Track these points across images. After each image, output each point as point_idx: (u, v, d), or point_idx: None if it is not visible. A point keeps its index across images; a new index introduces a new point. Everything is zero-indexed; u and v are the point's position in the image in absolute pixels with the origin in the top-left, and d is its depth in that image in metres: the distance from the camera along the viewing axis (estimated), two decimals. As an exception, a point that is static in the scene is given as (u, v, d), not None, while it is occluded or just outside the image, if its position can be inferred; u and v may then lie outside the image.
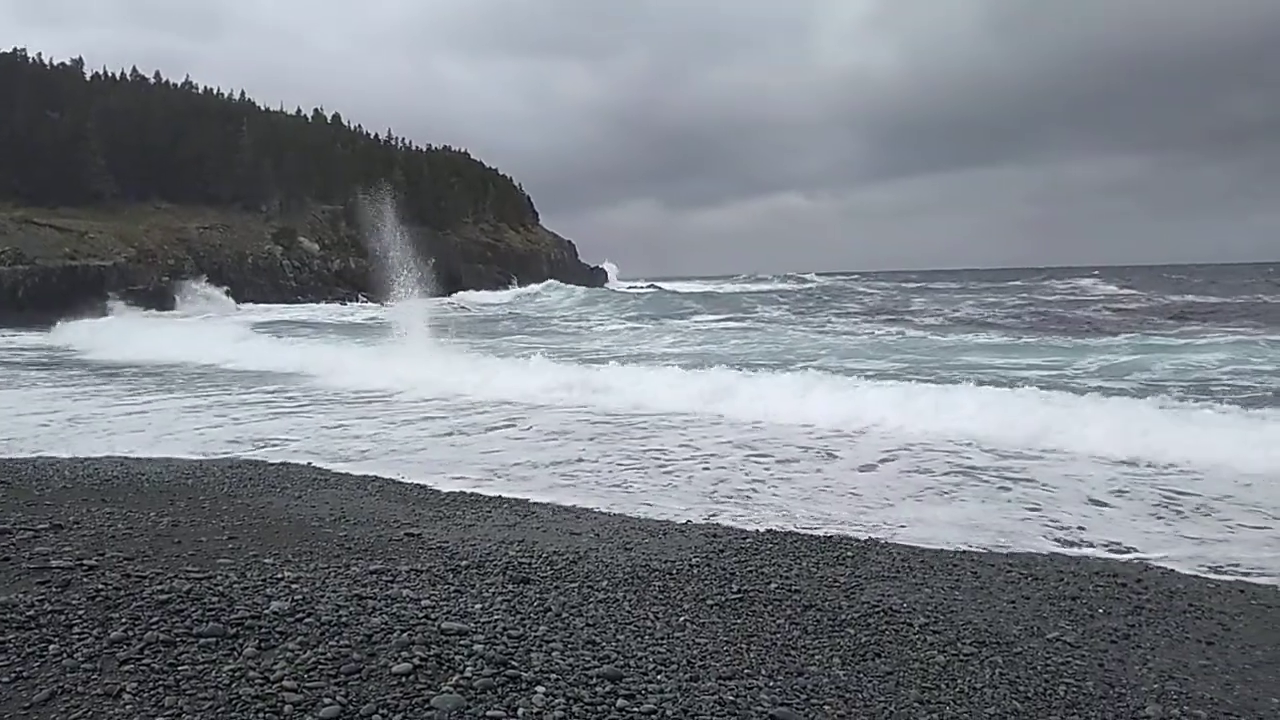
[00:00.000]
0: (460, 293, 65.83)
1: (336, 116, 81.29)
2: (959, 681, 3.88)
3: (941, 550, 6.05)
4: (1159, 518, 6.90)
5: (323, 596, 4.41)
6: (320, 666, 3.47)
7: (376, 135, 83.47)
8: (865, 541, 6.26)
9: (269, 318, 40.62)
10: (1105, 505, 7.31)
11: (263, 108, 75.44)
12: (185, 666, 3.42)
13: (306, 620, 3.99)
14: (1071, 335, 24.80)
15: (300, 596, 4.38)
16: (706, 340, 25.95)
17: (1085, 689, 3.84)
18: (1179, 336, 22.99)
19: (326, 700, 3.19)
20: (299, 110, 79.26)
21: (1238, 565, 5.75)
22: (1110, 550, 6.11)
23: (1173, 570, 5.63)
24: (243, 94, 74.98)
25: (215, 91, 73.93)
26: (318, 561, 5.31)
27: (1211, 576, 5.50)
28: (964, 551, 6.02)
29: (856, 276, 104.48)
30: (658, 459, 9.55)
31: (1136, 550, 6.10)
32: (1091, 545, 6.23)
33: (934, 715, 3.53)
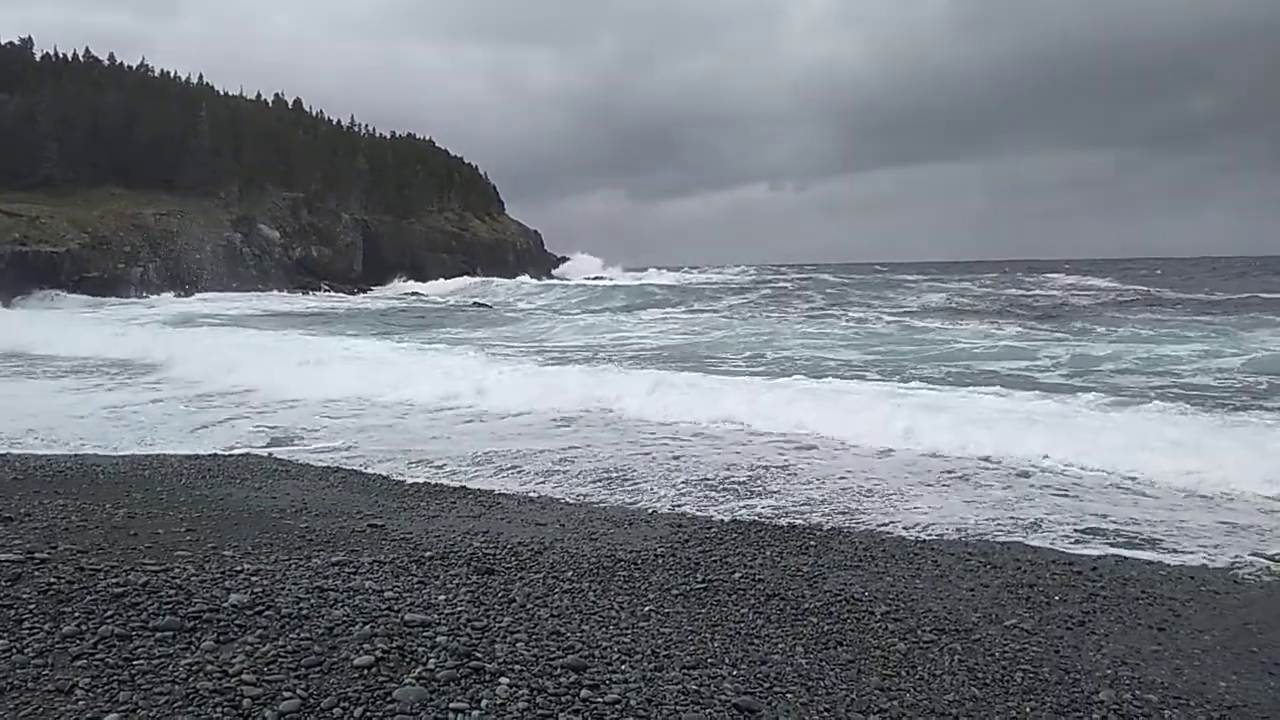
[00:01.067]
0: (418, 282, 65.30)
1: (298, 102, 79.88)
2: (919, 669, 3.94)
3: (903, 539, 6.13)
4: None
5: (283, 589, 4.35)
6: (280, 660, 3.42)
7: (339, 121, 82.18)
8: (828, 530, 6.32)
9: (197, 308, 39.63)
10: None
11: (221, 92, 73.90)
12: (141, 661, 3.36)
13: (266, 613, 3.93)
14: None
15: (260, 589, 4.32)
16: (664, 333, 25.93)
17: (1041, 675, 3.92)
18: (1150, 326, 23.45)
19: (286, 694, 3.15)
20: (259, 95, 77.76)
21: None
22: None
23: (1126, 558, 5.75)
24: (201, 77, 73.42)
25: (172, 75, 72.29)
26: (278, 553, 5.24)
27: (1167, 561, 5.63)
28: (925, 541, 6.10)
29: (823, 267, 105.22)
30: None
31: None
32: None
33: (894, 702, 3.58)
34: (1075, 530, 6.36)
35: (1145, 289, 44.47)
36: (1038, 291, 45.67)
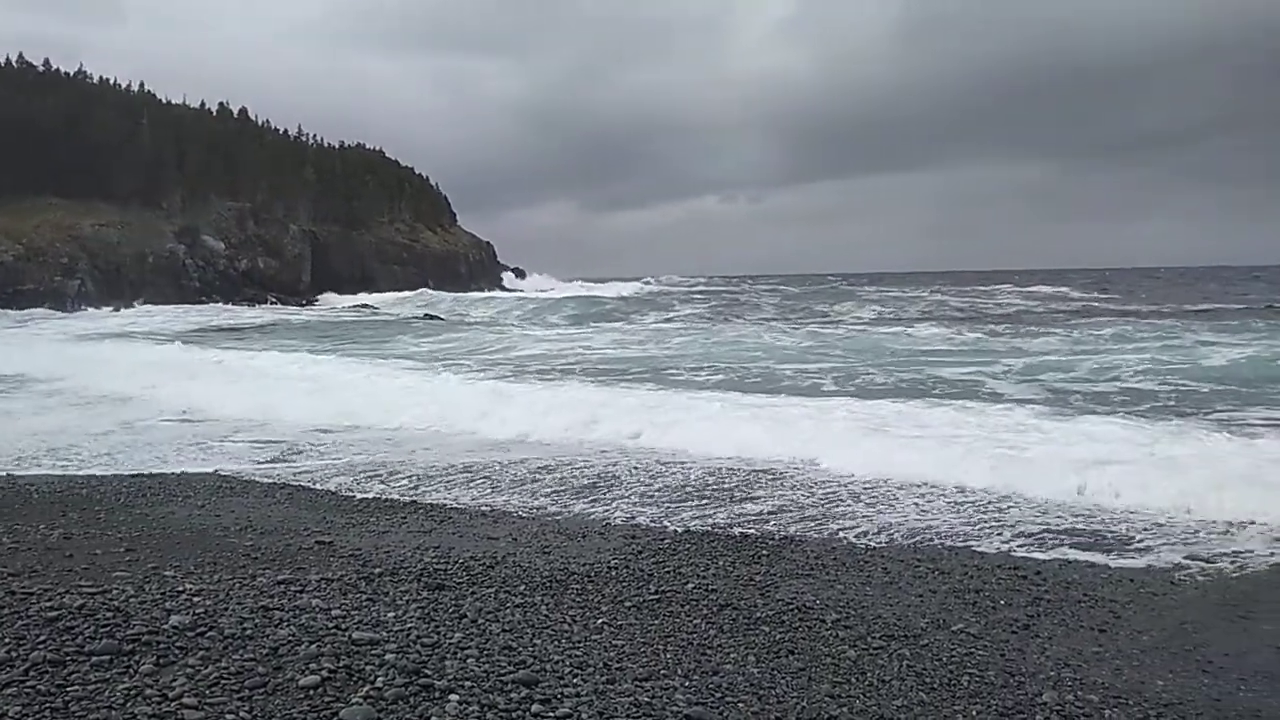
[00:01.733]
0: (368, 294, 64.46)
1: (244, 111, 78.57)
2: (869, 675, 3.98)
3: (853, 546, 6.20)
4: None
5: (227, 609, 4.25)
6: (223, 681, 3.34)
7: (286, 131, 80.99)
8: (781, 539, 6.36)
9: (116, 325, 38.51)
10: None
11: (164, 100, 72.38)
12: (75, 687, 3.25)
13: (209, 634, 3.84)
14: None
15: (203, 610, 4.21)
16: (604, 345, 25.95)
17: (987, 678, 3.99)
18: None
19: (229, 716, 3.08)
20: (203, 103, 76.33)
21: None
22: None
23: (1070, 562, 5.88)
24: (142, 85, 71.85)
25: (112, 82, 70.60)
26: (222, 573, 5.12)
27: (1109, 564, 5.77)
28: (875, 548, 6.18)
29: (777, 278, 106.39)
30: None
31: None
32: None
33: (844, 709, 3.61)
34: (1019, 535, 6.49)
35: (1093, 297, 45.70)
36: (990, 301, 46.69)
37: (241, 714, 3.10)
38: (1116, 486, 7.54)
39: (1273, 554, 5.90)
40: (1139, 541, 6.30)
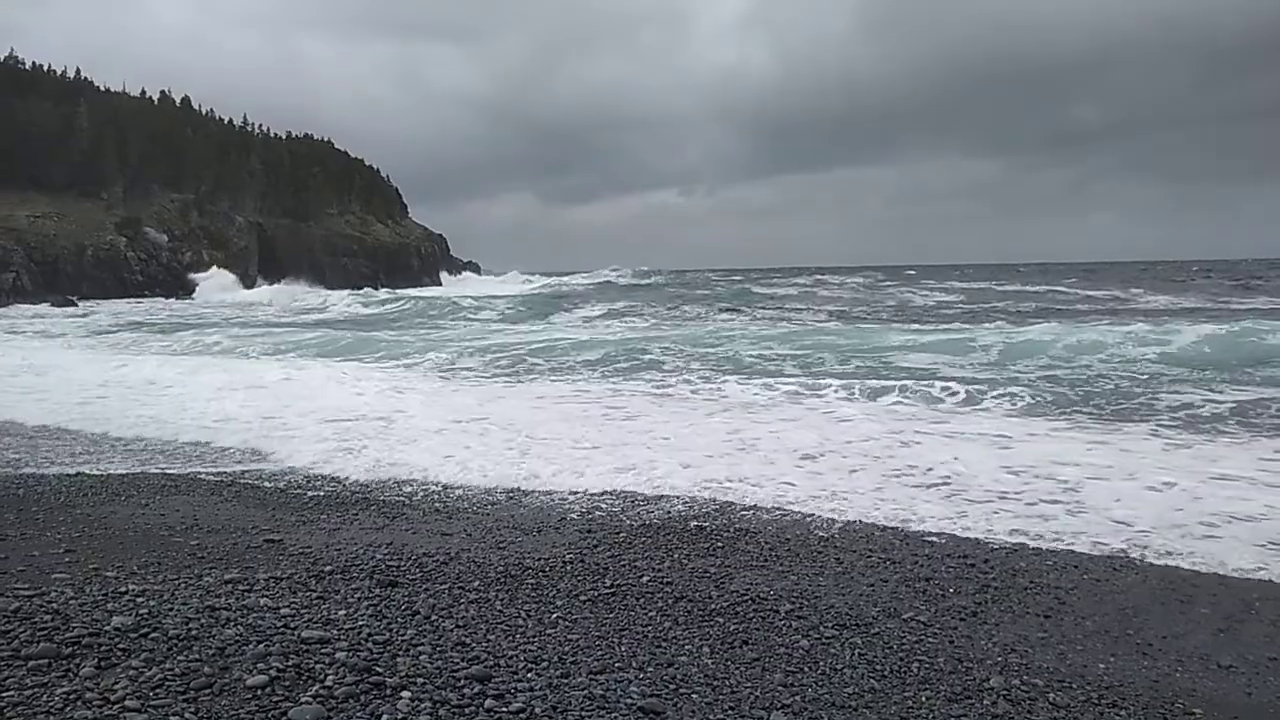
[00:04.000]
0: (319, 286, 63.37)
1: (186, 100, 76.57)
2: (821, 664, 4.03)
3: (807, 538, 6.27)
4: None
5: (171, 609, 4.16)
6: (167, 683, 3.27)
7: (231, 120, 79.21)
8: (735, 531, 6.40)
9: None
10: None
11: (102, 87, 70.21)
12: (11, 692, 3.15)
13: (152, 635, 3.75)
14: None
15: (146, 610, 4.11)
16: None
17: (936, 665, 4.06)
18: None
19: (174, 718, 3.01)
20: (144, 91, 74.21)
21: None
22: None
23: (1016, 549, 6.02)
24: (79, 72, 69.62)
25: (46, 68, 68.27)
26: (166, 573, 5.00)
27: (1051, 548, 5.91)
28: (827, 539, 6.25)
29: (734, 271, 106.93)
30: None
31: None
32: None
33: (797, 698, 3.65)
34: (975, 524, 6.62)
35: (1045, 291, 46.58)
36: (938, 294, 47.45)
37: (186, 715, 3.03)
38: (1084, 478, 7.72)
39: (1215, 542, 6.10)
40: (1085, 530, 6.46)
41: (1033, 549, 6.02)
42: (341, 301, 49.31)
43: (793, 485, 7.69)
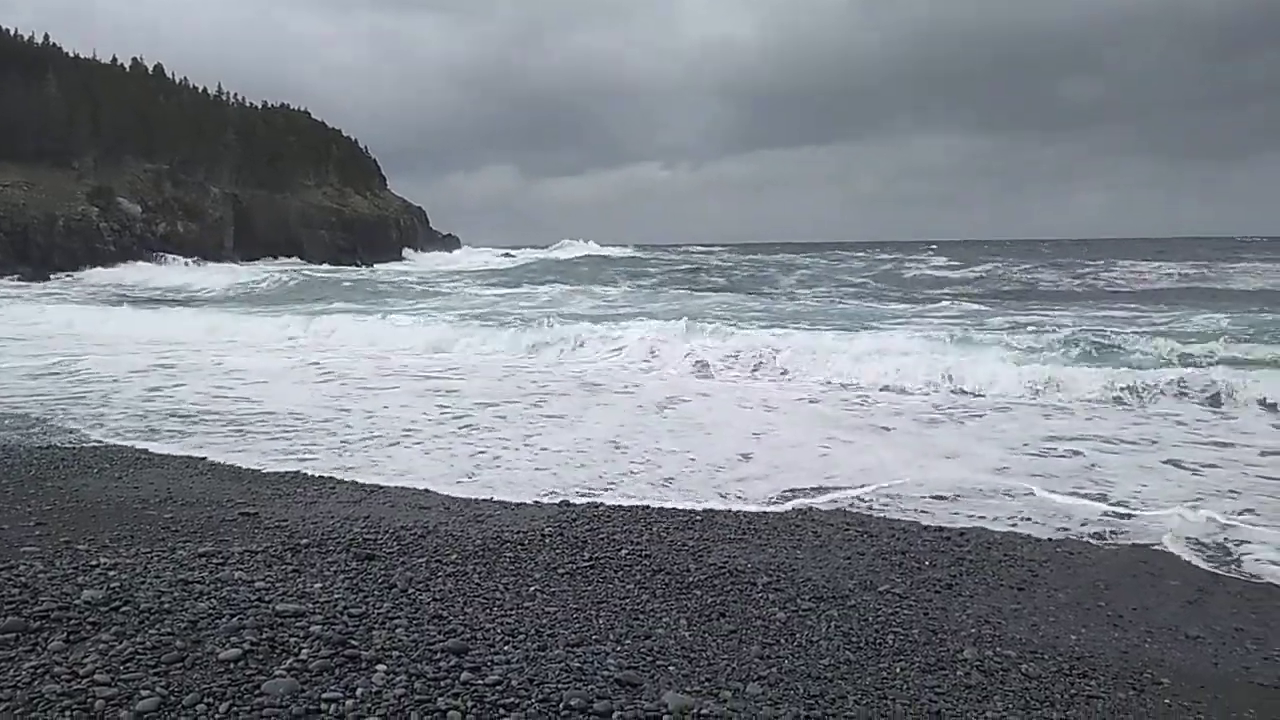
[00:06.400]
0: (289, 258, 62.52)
1: (159, 68, 74.92)
2: (798, 636, 4.05)
3: (786, 513, 6.28)
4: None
5: (143, 583, 4.11)
6: (138, 657, 3.23)
7: (205, 90, 77.59)
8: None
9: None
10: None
11: (71, 54, 68.52)
12: (-23, 666, 3.10)
13: (123, 609, 3.70)
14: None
15: (117, 584, 4.07)
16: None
17: (911, 636, 4.10)
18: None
19: (144, 692, 2.98)
20: (115, 59, 72.48)
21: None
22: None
23: (991, 525, 6.06)
24: (47, 38, 67.84)
25: (14, 34, 66.51)
26: (139, 546, 4.94)
27: (1022, 531, 5.97)
28: (805, 512, 6.28)
29: (720, 247, 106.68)
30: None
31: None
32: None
33: (773, 669, 3.67)
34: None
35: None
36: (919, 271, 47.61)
37: (157, 689, 3.00)
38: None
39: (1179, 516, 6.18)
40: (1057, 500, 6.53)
41: (1006, 526, 6.07)
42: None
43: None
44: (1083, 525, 6.01)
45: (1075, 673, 3.80)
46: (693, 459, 7.89)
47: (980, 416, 9.93)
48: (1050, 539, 5.74)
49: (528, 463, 7.79)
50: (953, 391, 11.34)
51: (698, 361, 13.50)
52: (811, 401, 10.96)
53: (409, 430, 9.12)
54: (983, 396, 11.02)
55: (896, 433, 9.22)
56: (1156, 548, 5.55)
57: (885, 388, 11.64)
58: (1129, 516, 6.19)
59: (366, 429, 9.19)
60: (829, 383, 12.05)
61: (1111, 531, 5.88)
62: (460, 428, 9.31)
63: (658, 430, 9.19)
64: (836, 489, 6.93)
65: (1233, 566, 5.23)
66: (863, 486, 6.96)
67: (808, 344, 13.61)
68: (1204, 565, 5.25)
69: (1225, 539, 5.67)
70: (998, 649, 3.99)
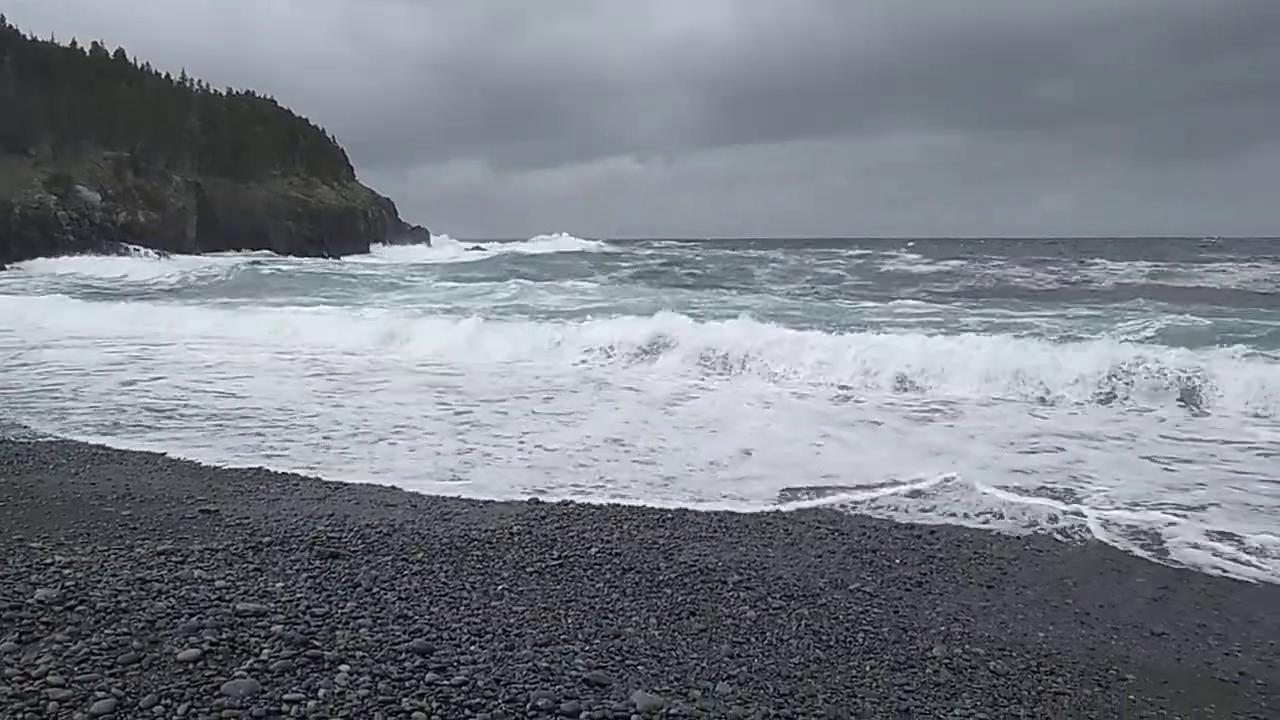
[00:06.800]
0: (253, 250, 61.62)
1: (121, 53, 73.41)
2: (768, 634, 4.04)
3: (759, 512, 6.26)
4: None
5: (100, 581, 4.00)
6: (93, 658, 3.13)
7: (169, 75, 76.21)
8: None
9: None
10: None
11: (28, 36, 66.85)
12: (-77, 669, 2.99)
13: (79, 608, 3.60)
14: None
15: (73, 583, 3.95)
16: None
17: (881, 634, 4.10)
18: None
19: (100, 694, 2.88)
20: (74, 42, 70.86)
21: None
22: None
23: (962, 522, 6.10)
24: (3, 20, 66.14)
25: (-32, 15, 64.76)
26: (96, 544, 4.81)
27: (993, 528, 6.01)
28: (778, 511, 6.27)
29: (692, 242, 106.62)
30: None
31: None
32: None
33: (743, 668, 3.65)
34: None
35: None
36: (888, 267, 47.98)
37: (113, 690, 2.91)
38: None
39: (1146, 512, 6.27)
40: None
41: (978, 522, 6.11)
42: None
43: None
44: (1052, 522, 6.06)
45: (1043, 670, 3.82)
46: (678, 452, 7.87)
47: (961, 415, 9.97)
48: (1020, 536, 5.78)
49: (520, 461, 7.71)
50: (916, 389, 11.38)
51: (673, 358, 13.40)
52: (799, 397, 10.94)
53: (400, 428, 8.97)
54: (957, 394, 11.07)
55: (884, 429, 9.24)
56: (1120, 545, 5.62)
57: (866, 385, 11.62)
58: (1096, 511, 6.25)
59: (353, 427, 9.05)
60: (818, 381, 11.91)
61: (1080, 528, 5.94)
62: (393, 430, 9.20)
63: (661, 427, 9.14)
64: (828, 489, 6.90)
65: (1169, 556, 5.30)
66: (857, 487, 6.96)
67: (790, 340, 13.46)
68: (1146, 555, 5.32)
69: (1167, 534, 5.75)
70: (967, 646, 4.01)
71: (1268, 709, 3.55)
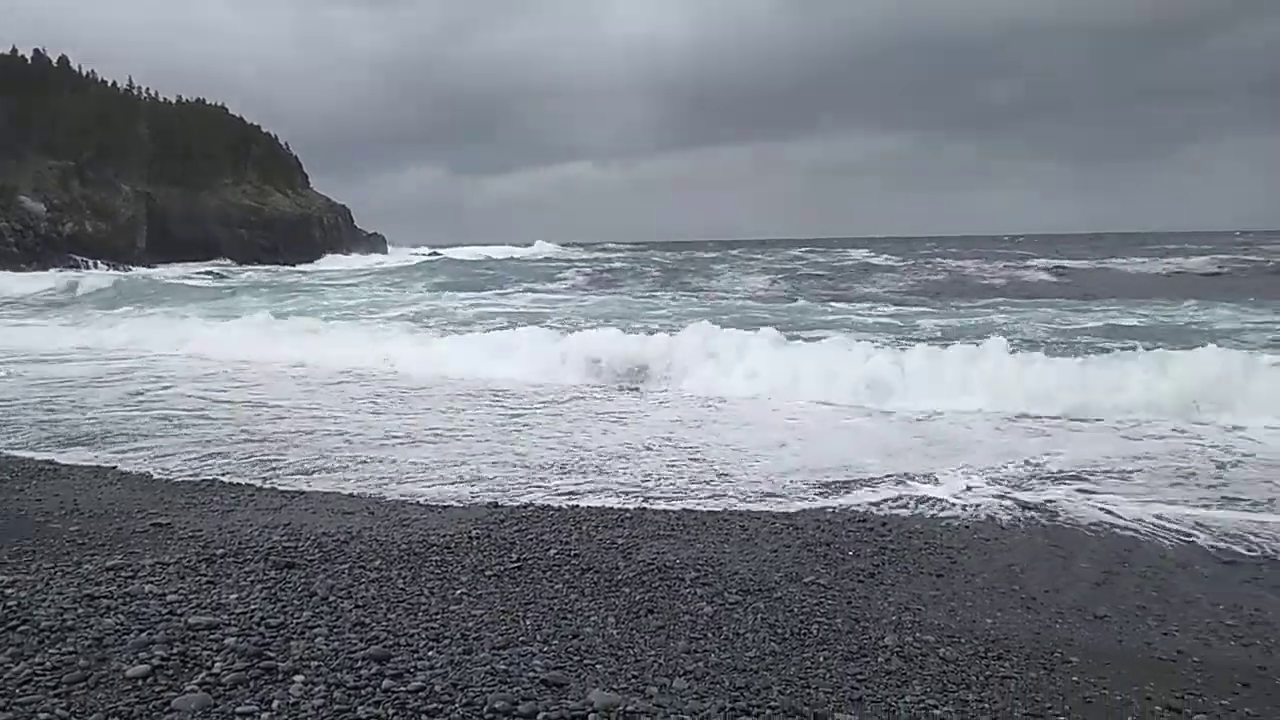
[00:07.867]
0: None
1: (64, 59, 71.76)
2: (724, 629, 4.09)
3: (715, 511, 6.33)
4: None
5: (45, 600, 3.93)
6: (36, 678, 3.09)
7: (115, 83, 74.64)
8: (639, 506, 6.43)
9: None
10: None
11: (-33, 44, 65.13)
12: None
13: (21, 628, 3.54)
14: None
15: (15, 602, 3.88)
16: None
17: (835, 625, 4.17)
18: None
19: (43, 715, 2.85)
20: (15, 49, 69.13)
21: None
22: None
23: (914, 513, 6.21)
24: (-61, 27, 64.28)
25: (-98, 22, 62.82)
26: (41, 561, 4.72)
27: (943, 517, 6.13)
28: (735, 510, 6.33)
29: (651, 245, 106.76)
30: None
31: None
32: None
33: (700, 663, 3.69)
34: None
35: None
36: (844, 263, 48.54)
37: (57, 711, 2.87)
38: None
39: (1089, 498, 6.44)
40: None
41: (928, 512, 6.23)
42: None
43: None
44: (1000, 510, 6.20)
45: (991, 655, 3.92)
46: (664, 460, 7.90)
47: (932, 418, 10.14)
48: (968, 525, 5.91)
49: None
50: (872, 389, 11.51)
51: (637, 367, 13.23)
52: (775, 410, 11.01)
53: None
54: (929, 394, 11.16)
55: (860, 429, 9.35)
56: (1065, 531, 5.77)
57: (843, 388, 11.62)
58: (1040, 497, 6.40)
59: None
60: (794, 382, 11.82)
61: (1026, 516, 6.08)
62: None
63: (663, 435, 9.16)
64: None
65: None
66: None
67: (765, 344, 13.27)
68: (1109, 545, 5.47)
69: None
70: (917, 634, 4.09)
71: (1203, 685, 3.68)
